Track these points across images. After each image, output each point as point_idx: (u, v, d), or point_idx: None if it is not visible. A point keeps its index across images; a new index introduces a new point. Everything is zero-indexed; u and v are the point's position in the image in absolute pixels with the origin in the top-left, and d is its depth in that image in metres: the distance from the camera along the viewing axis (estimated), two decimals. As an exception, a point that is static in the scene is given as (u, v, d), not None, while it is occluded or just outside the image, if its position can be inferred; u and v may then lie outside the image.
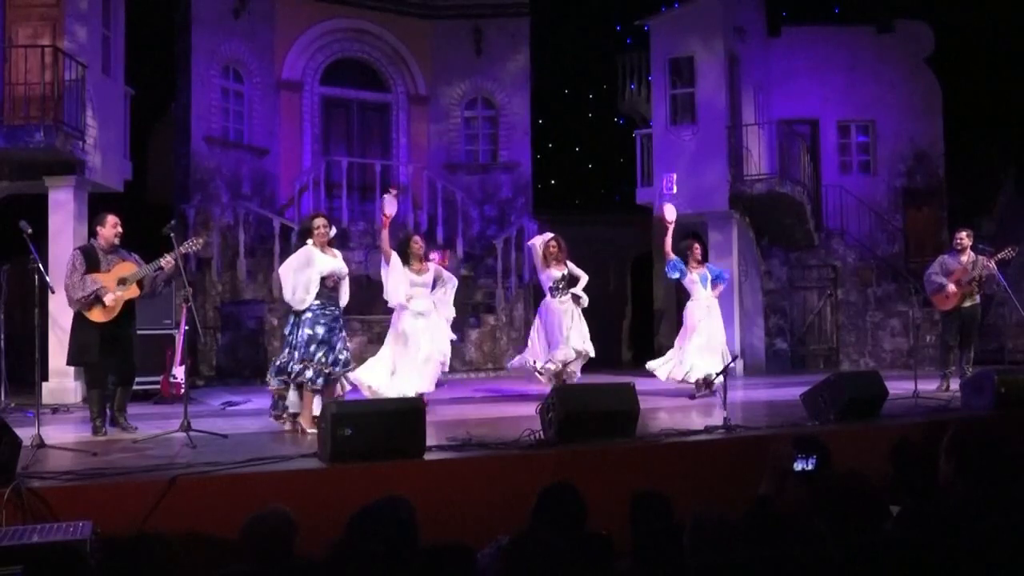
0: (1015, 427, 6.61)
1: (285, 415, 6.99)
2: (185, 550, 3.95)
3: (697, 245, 9.98)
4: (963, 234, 9.91)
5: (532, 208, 16.10)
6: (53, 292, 7.04)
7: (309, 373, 6.81)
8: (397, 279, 8.02)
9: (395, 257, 8.08)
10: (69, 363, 7.18)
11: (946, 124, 15.99)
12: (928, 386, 9.11)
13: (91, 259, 6.72)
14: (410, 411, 5.55)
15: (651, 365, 9.95)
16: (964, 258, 9.75)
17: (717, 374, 7.52)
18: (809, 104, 15.98)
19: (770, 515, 3.35)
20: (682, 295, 10.61)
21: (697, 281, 9.69)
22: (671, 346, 10.14)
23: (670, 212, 9.86)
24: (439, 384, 8.33)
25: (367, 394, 7.62)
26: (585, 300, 9.47)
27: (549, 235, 9.69)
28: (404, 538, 3.37)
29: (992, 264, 9.62)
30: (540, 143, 18.26)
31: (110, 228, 6.84)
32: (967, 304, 9.73)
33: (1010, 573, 2.61)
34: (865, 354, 14.95)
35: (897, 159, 16.09)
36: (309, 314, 6.93)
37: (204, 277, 12.98)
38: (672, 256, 9.67)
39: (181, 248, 6.84)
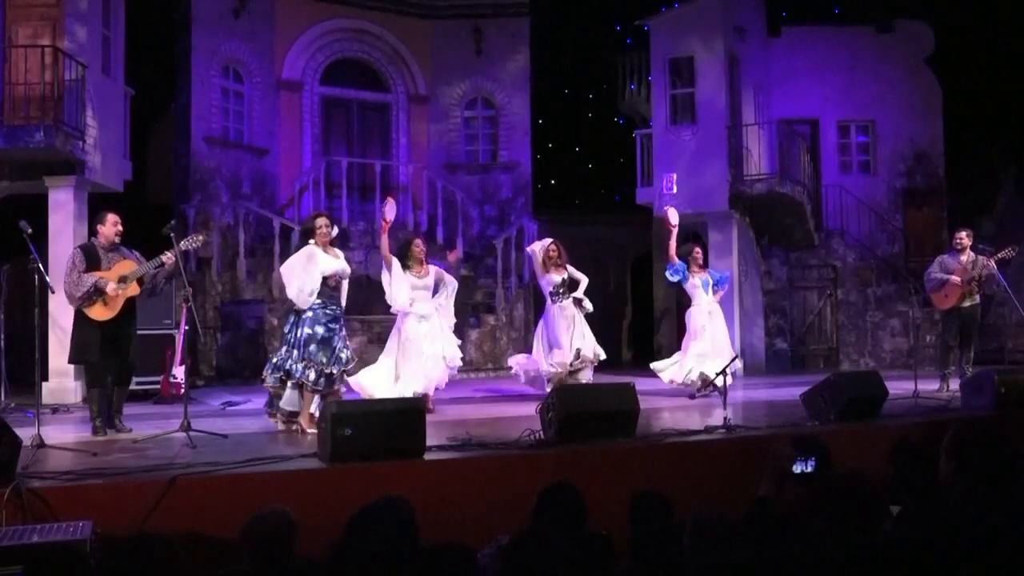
0: (1015, 427, 6.61)
1: (278, 414, 6.98)
2: (185, 550, 3.95)
3: (699, 249, 10.00)
4: (963, 234, 9.91)
5: (532, 208, 16.10)
6: (53, 292, 7.04)
7: (311, 374, 6.81)
8: (398, 284, 8.03)
9: (396, 263, 8.08)
10: (70, 361, 7.19)
11: (946, 124, 15.99)
12: (928, 386, 9.11)
13: (92, 257, 6.72)
14: (410, 411, 5.55)
15: (655, 366, 9.96)
16: (964, 258, 9.75)
17: (717, 373, 7.52)
18: (809, 104, 15.98)
19: (770, 515, 3.35)
20: (683, 296, 10.61)
21: (699, 286, 9.71)
22: (671, 346, 10.17)
23: (673, 216, 9.87)
24: (437, 388, 8.33)
25: None
26: (589, 305, 9.47)
27: (548, 240, 9.69)
28: (404, 538, 3.37)
29: (992, 264, 9.62)
30: (540, 143, 18.26)
31: (110, 226, 6.84)
32: (967, 304, 9.73)
33: (1010, 573, 2.61)
34: (865, 354, 14.95)
35: (897, 159, 16.09)
36: (310, 313, 6.93)
37: (204, 277, 12.97)
38: (676, 260, 9.68)
39: (181, 245, 6.84)
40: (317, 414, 6.67)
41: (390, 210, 8.09)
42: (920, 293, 10.25)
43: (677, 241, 9.82)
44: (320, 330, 6.91)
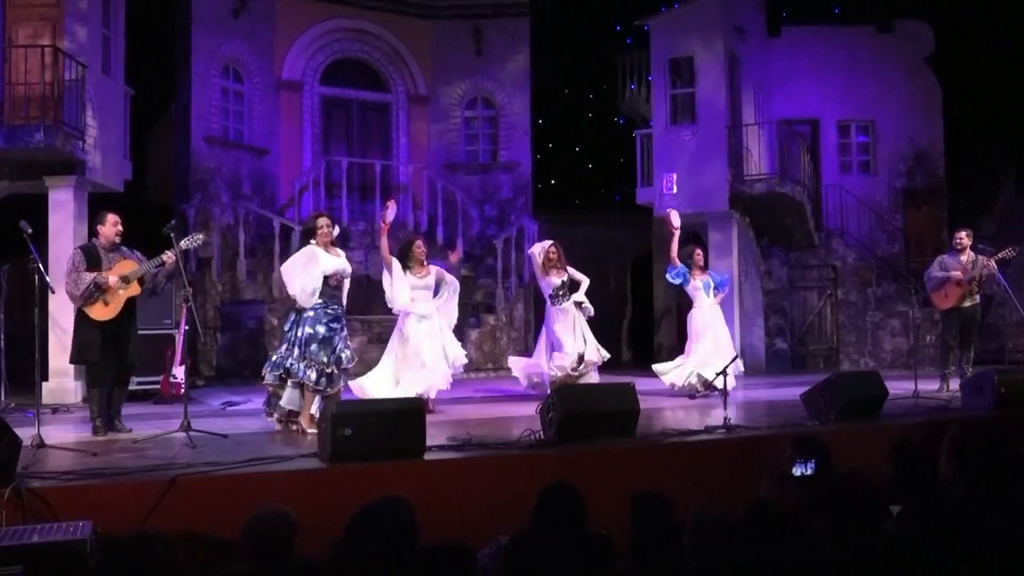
0: (1015, 427, 6.60)
1: (275, 413, 6.96)
2: (185, 550, 3.95)
3: (700, 251, 10.01)
4: (963, 234, 9.91)
5: (532, 208, 16.11)
6: (53, 292, 7.04)
7: (312, 374, 6.81)
8: (399, 285, 8.04)
9: (396, 264, 8.08)
10: (72, 361, 7.20)
11: (946, 124, 15.99)
12: (928, 386, 9.11)
13: (92, 258, 6.72)
14: (410, 411, 5.55)
15: (658, 368, 9.93)
16: (964, 258, 9.75)
17: (717, 374, 7.52)
18: (809, 104, 15.98)
19: (770, 515, 3.35)
20: (683, 297, 10.62)
21: (700, 288, 9.72)
22: (671, 346, 10.17)
23: (675, 218, 9.86)
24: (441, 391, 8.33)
25: None
26: (590, 309, 9.46)
27: (548, 242, 9.69)
28: (404, 538, 3.37)
29: (992, 264, 9.62)
30: (540, 143, 18.26)
31: (110, 227, 6.83)
32: (967, 304, 9.73)
33: (1010, 573, 2.61)
34: (865, 354, 14.96)
35: (897, 159, 16.09)
36: (311, 313, 6.93)
37: (204, 277, 12.98)
38: (677, 263, 9.69)
39: (182, 244, 6.84)
40: (317, 414, 6.68)
41: (390, 213, 8.10)
42: (920, 293, 10.25)
43: (678, 243, 9.82)
44: (321, 329, 6.91)
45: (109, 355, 6.73)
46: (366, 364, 9.32)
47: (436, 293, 8.37)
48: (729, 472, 5.87)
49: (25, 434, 5.32)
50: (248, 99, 14.68)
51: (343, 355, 7.03)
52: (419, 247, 8.31)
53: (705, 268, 10.05)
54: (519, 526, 3.47)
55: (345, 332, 7.17)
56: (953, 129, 16.03)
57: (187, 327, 7.63)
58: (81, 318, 6.71)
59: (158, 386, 9.94)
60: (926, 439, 5.25)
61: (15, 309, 9.64)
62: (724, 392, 7.06)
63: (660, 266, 15.41)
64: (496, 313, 14.09)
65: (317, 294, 6.94)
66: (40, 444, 5.79)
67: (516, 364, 9.93)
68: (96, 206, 9.81)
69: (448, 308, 8.43)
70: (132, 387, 7.76)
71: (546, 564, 2.77)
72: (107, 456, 5.59)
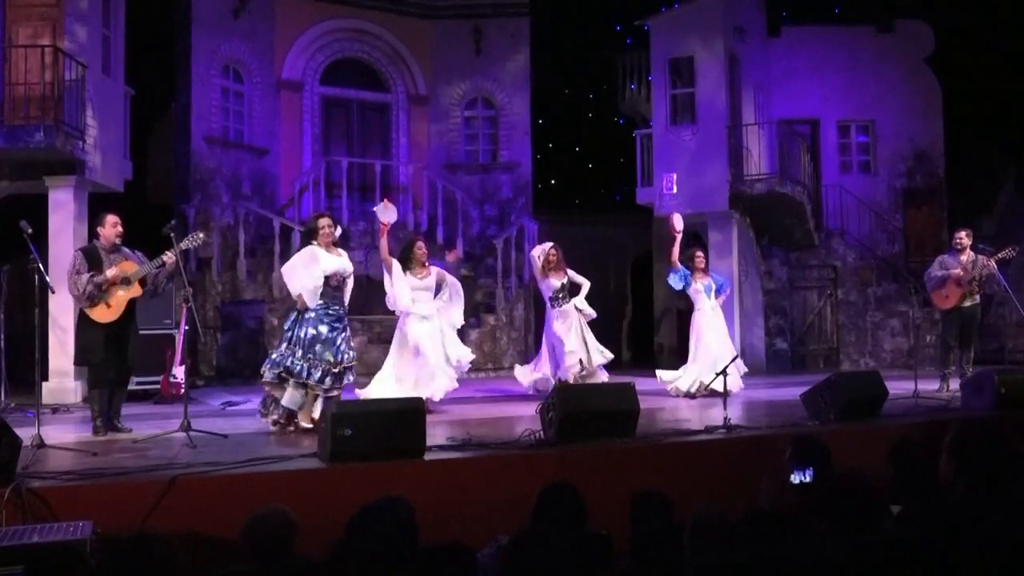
0: (1015, 427, 6.60)
1: (273, 415, 6.93)
2: (185, 550, 3.95)
3: (700, 254, 10.00)
4: (963, 234, 9.91)
5: (532, 208, 16.11)
6: (53, 292, 7.04)
7: (317, 373, 6.80)
8: (399, 286, 8.02)
9: (396, 265, 8.07)
10: (76, 363, 7.21)
11: (946, 124, 15.99)
12: (928, 386, 9.11)
13: (93, 259, 6.72)
14: (410, 411, 5.54)
15: (662, 376, 9.87)
16: (964, 258, 9.75)
17: (717, 374, 7.52)
18: (809, 104, 15.98)
19: (770, 515, 3.35)
20: (683, 298, 10.62)
21: (702, 291, 9.72)
22: (671, 346, 10.16)
23: (678, 222, 9.85)
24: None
25: None
26: (591, 313, 9.45)
27: (548, 245, 9.69)
28: (404, 538, 3.37)
29: (992, 264, 9.62)
30: (540, 143, 18.27)
31: (110, 228, 6.84)
32: (967, 304, 9.73)
33: (1010, 573, 2.61)
34: (865, 354, 14.95)
35: (897, 159, 16.09)
36: (312, 313, 6.92)
37: (204, 277, 12.98)
38: (679, 266, 9.68)
39: (182, 244, 6.84)
40: (318, 414, 6.68)
41: (387, 213, 8.01)
42: (920, 293, 10.25)
43: (681, 247, 9.81)
44: (324, 330, 6.91)
45: (110, 356, 6.74)
46: (366, 364, 9.33)
47: (437, 294, 8.36)
48: (729, 472, 5.87)
49: (25, 434, 5.33)
50: (248, 99, 14.68)
51: (347, 355, 7.03)
52: (420, 248, 8.30)
53: (706, 270, 10.04)
54: (519, 526, 3.47)
55: (347, 333, 7.16)
56: (953, 129, 16.03)
57: (187, 327, 7.63)
58: (83, 320, 6.72)
59: (158, 386, 9.94)
60: (926, 439, 5.24)
61: (15, 309, 9.64)
62: (724, 392, 7.06)
63: (660, 266, 15.43)
64: (496, 313, 14.09)
65: (318, 295, 6.94)
66: (40, 444, 5.79)
67: (522, 375, 9.85)
68: (96, 206, 9.81)
69: (453, 313, 8.40)
70: (132, 387, 7.76)
71: (546, 564, 2.77)
72: (107, 456, 5.59)
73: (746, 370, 10.14)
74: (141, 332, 7.29)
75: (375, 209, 8.28)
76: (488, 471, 5.46)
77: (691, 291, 9.78)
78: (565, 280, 9.46)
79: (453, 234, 14.73)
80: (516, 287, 14.27)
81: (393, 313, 8.43)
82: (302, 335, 6.88)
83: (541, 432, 6.01)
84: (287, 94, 15.15)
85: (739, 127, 14.44)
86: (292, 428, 6.91)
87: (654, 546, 3.47)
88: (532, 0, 16.33)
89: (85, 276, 6.58)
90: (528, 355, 14.05)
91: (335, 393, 6.90)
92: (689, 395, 9.43)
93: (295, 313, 7.02)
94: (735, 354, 9.38)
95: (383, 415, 5.45)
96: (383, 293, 8.24)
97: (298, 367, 6.80)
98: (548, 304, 9.46)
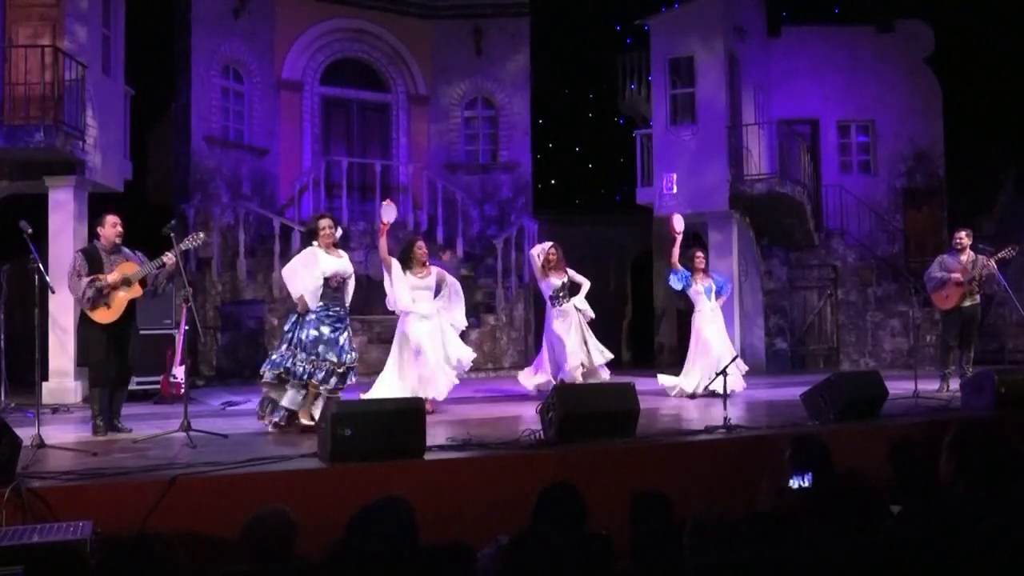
0: (1015, 427, 6.60)
1: (272, 416, 6.90)
2: (185, 550, 3.95)
3: (701, 254, 9.99)
4: (963, 234, 9.91)
5: (532, 208, 16.11)
6: (53, 292, 7.04)
7: (320, 374, 6.79)
8: (399, 285, 8.01)
9: (395, 264, 8.06)
10: (79, 364, 7.21)
11: (946, 124, 15.99)
12: (928, 386, 9.11)
13: (94, 260, 6.72)
14: (410, 411, 5.54)
15: (664, 382, 9.82)
16: (964, 258, 9.75)
17: (716, 374, 7.52)
18: (809, 104, 15.98)
19: (770, 516, 3.35)
20: (683, 299, 10.61)
21: (702, 292, 9.72)
22: (671, 346, 10.14)
23: (678, 223, 9.84)
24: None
25: None
26: (590, 313, 9.45)
27: (548, 244, 9.69)
28: (404, 538, 3.37)
29: (992, 264, 9.61)
30: (540, 143, 18.26)
31: (110, 228, 6.84)
32: (967, 304, 9.73)
33: (1010, 573, 2.61)
34: (865, 354, 14.95)
35: (897, 159, 16.09)
36: (313, 315, 6.92)
37: (204, 277, 12.98)
38: (679, 267, 9.68)
39: (182, 244, 6.84)
40: (318, 414, 6.67)
41: (387, 213, 8.02)
42: (920, 293, 10.24)
43: (681, 248, 9.81)
44: (326, 330, 6.90)
45: (111, 356, 6.74)
46: (366, 364, 9.32)
47: (437, 293, 8.35)
48: (729, 472, 5.87)
49: (25, 434, 5.33)
50: (248, 99, 14.68)
51: (351, 355, 7.03)
52: (420, 248, 8.29)
53: (706, 271, 10.03)
54: (519, 526, 3.47)
55: (349, 333, 7.15)
56: (953, 129, 16.03)
57: (187, 327, 7.63)
58: (84, 320, 6.73)
59: (158, 386, 9.94)
60: (926, 439, 5.24)
61: (15, 309, 9.64)
62: (724, 392, 7.06)
63: (660, 266, 15.44)
64: (496, 313, 14.09)
65: (319, 296, 6.93)
66: (40, 444, 5.79)
67: (526, 380, 9.80)
68: (96, 206, 9.82)
69: (456, 314, 8.40)
70: (132, 387, 7.75)
71: (546, 564, 2.77)
72: (107, 456, 5.59)
73: (747, 368, 10.14)
74: (141, 332, 7.29)
75: (382, 205, 8.28)
76: (488, 471, 5.46)
77: (691, 292, 9.78)
78: (566, 279, 9.46)
79: (453, 234, 14.73)
80: (516, 287, 14.27)
81: (393, 313, 8.42)
82: (303, 337, 6.87)
83: (541, 432, 6.01)
84: (287, 94, 15.15)
85: (739, 127, 14.44)
86: (289, 429, 6.89)
87: (654, 546, 3.47)
88: (532, 0, 16.33)
89: (85, 280, 6.58)
90: (529, 355, 14.06)
91: (339, 392, 6.90)
92: (691, 395, 9.42)
93: (295, 315, 7.02)
94: (735, 354, 9.39)
95: (383, 415, 5.45)
96: (383, 293, 8.23)
97: (300, 369, 6.79)
98: (548, 303, 9.46)
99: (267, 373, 6.89)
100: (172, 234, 6.74)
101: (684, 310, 10.42)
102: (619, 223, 18.30)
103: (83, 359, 6.88)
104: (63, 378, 10.27)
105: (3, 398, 8.99)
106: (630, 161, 16.63)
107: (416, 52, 16.15)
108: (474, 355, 8.65)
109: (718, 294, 9.86)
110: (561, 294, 9.36)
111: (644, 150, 15.36)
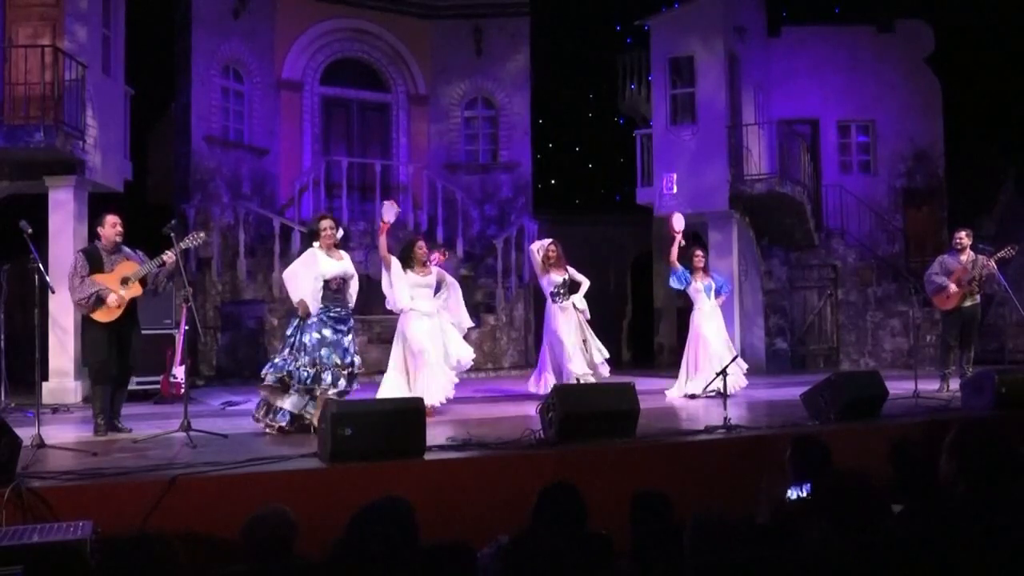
0: (1015, 427, 6.60)
1: (270, 418, 6.85)
2: (185, 550, 3.95)
3: (700, 253, 9.98)
4: (963, 234, 9.90)
5: (532, 208, 16.11)
6: (53, 292, 7.04)
7: (328, 376, 6.77)
8: (399, 284, 8.00)
9: (395, 263, 8.05)
10: (84, 363, 7.21)
11: (946, 124, 15.99)
12: (928, 386, 9.10)
13: (94, 260, 6.72)
14: (410, 411, 5.54)
15: (671, 394, 9.76)
16: (964, 258, 9.75)
17: (716, 374, 7.52)
18: (809, 104, 15.98)
19: (769, 527, 3.34)
20: (683, 297, 10.60)
21: (701, 290, 9.72)
22: (671, 346, 10.13)
23: (678, 222, 9.83)
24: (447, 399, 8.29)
25: None
26: (586, 312, 9.44)
27: (547, 240, 9.68)
28: (404, 538, 3.37)
29: (992, 264, 9.61)
30: (540, 143, 18.27)
31: (110, 228, 6.84)
32: (968, 304, 9.73)
33: (1010, 573, 2.61)
34: (865, 354, 14.95)
35: (897, 159, 16.09)
36: (314, 318, 6.90)
37: (204, 277, 12.98)
38: (678, 266, 9.67)
39: (182, 243, 6.84)
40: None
41: (387, 212, 8.01)
42: (920, 293, 10.24)
43: (682, 248, 9.80)
44: (328, 333, 6.88)
45: (112, 354, 6.74)
46: (366, 364, 9.27)
47: (436, 292, 8.35)
48: (729, 472, 5.87)
49: (25, 434, 5.32)
50: (248, 99, 14.68)
51: (356, 358, 7.03)
52: (421, 247, 8.28)
53: (706, 270, 10.03)
54: (519, 526, 3.47)
55: (351, 335, 7.13)
56: (953, 129, 16.03)
57: (187, 327, 7.63)
58: (85, 320, 6.74)
59: (158, 386, 9.94)
60: (926, 439, 5.24)
61: (15, 309, 9.64)
62: (724, 392, 7.06)
63: (660, 266, 15.44)
64: (496, 313, 14.09)
65: (319, 299, 6.91)
66: (40, 444, 5.79)
67: (533, 388, 9.76)
68: (96, 206, 9.82)
69: (460, 315, 8.40)
70: (132, 387, 7.75)
71: (546, 564, 2.77)
72: (107, 456, 5.59)
73: (747, 367, 10.14)
74: (141, 332, 7.29)
75: (383, 204, 8.26)
76: (488, 471, 5.46)
77: (690, 290, 9.78)
78: (566, 276, 9.45)
79: (453, 234, 14.73)
80: (516, 287, 14.28)
81: (393, 313, 8.41)
82: (305, 341, 6.84)
83: (541, 432, 6.01)
84: (287, 94, 15.15)
85: (739, 127, 14.44)
86: (290, 429, 6.87)
87: (654, 546, 3.47)
88: (532, 0, 16.33)
89: (91, 288, 6.56)
90: (529, 355, 14.07)
91: (347, 394, 6.88)
92: (691, 395, 9.42)
93: (297, 319, 6.99)
94: (735, 353, 9.38)
95: (383, 415, 5.45)
96: (383, 293, 8.22)
97: (304, 373, 6.76)
98: (549, 299, 9.44)
99: (269, 376, 6.84)
100: (172, 234, 6.74)
101: (685, 308, 10.40)
102: (619, 223, 18.30)
103: (89, 357, 6.88)
104: (63, 378, 10.28)
105: (3, 398, 8.99)
106: (630, 161, 16.62)
107: (416, 52, 16.16)
108: (473, 355, 8.64)
109: (718, 293, 9.86)
110: (562, 290, 9.35)
111: (644, 150, 15.35)
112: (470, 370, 9.02)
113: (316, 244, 7.11)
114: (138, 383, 9.28)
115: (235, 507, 4.32)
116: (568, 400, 6.01)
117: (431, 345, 8.02)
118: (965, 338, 9.85)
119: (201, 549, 4.44)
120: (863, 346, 15.01)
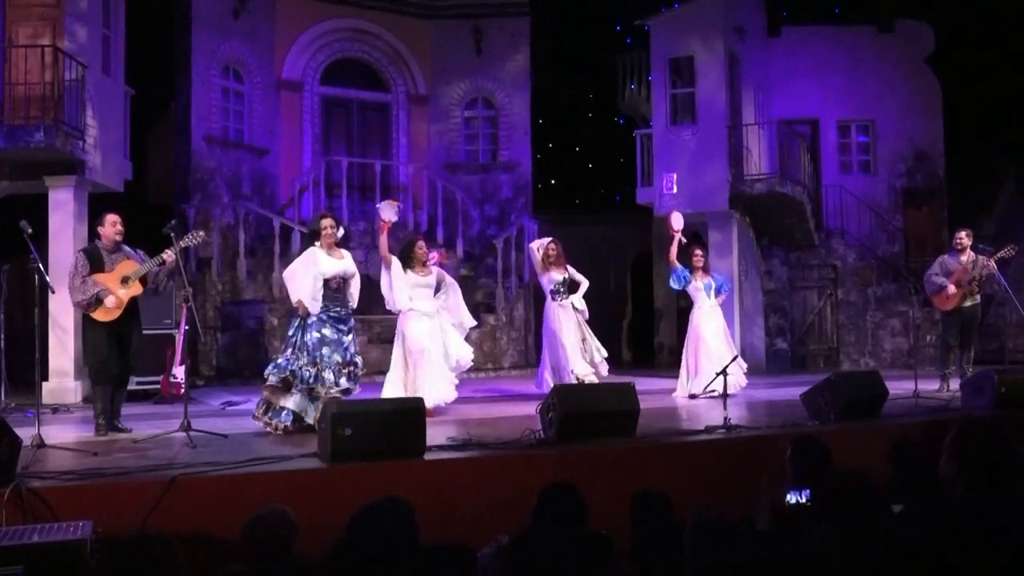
0: (1015, 427, 6.60)
1: (270, 418, 6.85)
2: (185, 550, 3.95)
3: (699, 252, 9.98)
4: (963, 234, 9.90)
5: (532, 208, 16.12)
6: (53, 292, 7.04)
7: (329, 376, 6.77)
8: (398, 284, 8.00)
9: (395, 262, 8.05)
10: (86, 363, 7.20)
11: (946, 124, 15.99)
12: (928, 386, 9.10)
13: (95, 260, 6.72)
14: (410, 411, 5.54)
15: (678, 394, 9.77)
16: (964, 258, 9.75)
17: (717, 374, 7.52)
18: (809, 104, 15.99)
19: (769, 533, 3.34)
20: (683, 297, 10.60)
21: (701, 289, 9.72)
22: (671, 346, 10.12)
23: (677, 220, 9.82)
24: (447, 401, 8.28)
25: None
26: (585, 312, 9.44)
27: (547, 239, 9.68)
28: (404, 538, 3.37)
29: (992, 264, 9.61)
30: (540, 143, 18.27)
31: (110, 227, 6.84)
32: (968, 304, 9.73)
33: (1010, 573, 2.61)
34: (865, 354, 14.95)
35: (897, 159, 16.09)
36: (314, 317, 6.90)
37: (204, 277, 12.98)
38: (678, 265, 9.67)
39: (182, 242, 6.84)
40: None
41: (388, 211, 8.00)
42: (920, 293, 10.24)
43: (681, 247, 9.79)
44: (328, 332, 6.88)
45: (112, 354, 6.74)
46: (366, 364, 9.26)
47: (436, 292, 8.34)
48: (729, 472, 5.86)
49: (25, 434, 5.32)
50: (248, 99, 14.68)
51: (358, 358, 7.03)
52: (421, 247, 8.27)
53: (706, 269, 10.02)
54: (519, 526, 3.47)
55: (352, 334, 7.12)
56: (953, 129, 16.03)
57: (187, 327, 7.62)
58: (86, 319, 6.74)
59: (158, 386, 9.94)
60: (926, 439, 5.24)
61: (15, 309, 9.64)
62: (724, 392, 7.06)
63: (660, 266, 15.44)
64: (496, 313, 14.09)
65: (319, 299, 6.91)
66: (40, 444, 5.79)
67: (538, 384, 9.79)
68: (96, 206, 9.82)
69: (458, 313, 8.39)
70: (132, 387, 7.76)
71: (546, 564, 2.77)
72: (107, 456, 5.59)
73: (746, 366, 10.14)
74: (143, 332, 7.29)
75: (382, 204, 8.24)
76: (488, 471, 5.45)
77: (690, 289, 9.77)
78: (566, 275, 9.45)
79: (453, 234, 14.73)
80: (516, 287, 14.28)
81: (393, 313, 8.41)
82: (307, 340, 6.84)
83: (541, 432, 6.01)
84: (287, 94, 15.15)
85: (739, 127, 14.44)
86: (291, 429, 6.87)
87: (654, 546, 3.47)
88: (532, 0, 16.33)
89: (94, 288, 6.56)
90: (529, 355, 14.08)
91: (351, 393, 6.88)
92: (691, 395, 9.42)
93: (298, 319, 6.99)
94: (735, 353, 9.38)
95: (383, 415, 5.45)
96: (383, 294, 8.21)
97: (306, 373, 6.75)
98: (549, 297, 9.43)
99: (272, 376, 6.84)
100: (172, 233, 6.74)
101: (685, 307, 10.40)
102: (619, 223, 18.30)
103: (91, 357, 6.88)
104: (63, 378, 10.29)
105: (3, 398, 8.98)
106: (630, 161, 16.63)
107: (416, 52, 16.16)
108: (474, 354, 8.64)
109: (718, 292, 9.86)
110: (562, 289, 9.35)
111: (644, 150, 15.35)
112: (470, 370, 9.01)
113: (317, 243, 7.10)
114: (138, 383, 9.29)
115: (235, 507, 4.32)
116: (568, 400, 6.01)
117: (431, 345, 8.01)
118: (965, 338, 9.85)
119: (201, 549, 4.44)
120: (863, 346, 15.01)
